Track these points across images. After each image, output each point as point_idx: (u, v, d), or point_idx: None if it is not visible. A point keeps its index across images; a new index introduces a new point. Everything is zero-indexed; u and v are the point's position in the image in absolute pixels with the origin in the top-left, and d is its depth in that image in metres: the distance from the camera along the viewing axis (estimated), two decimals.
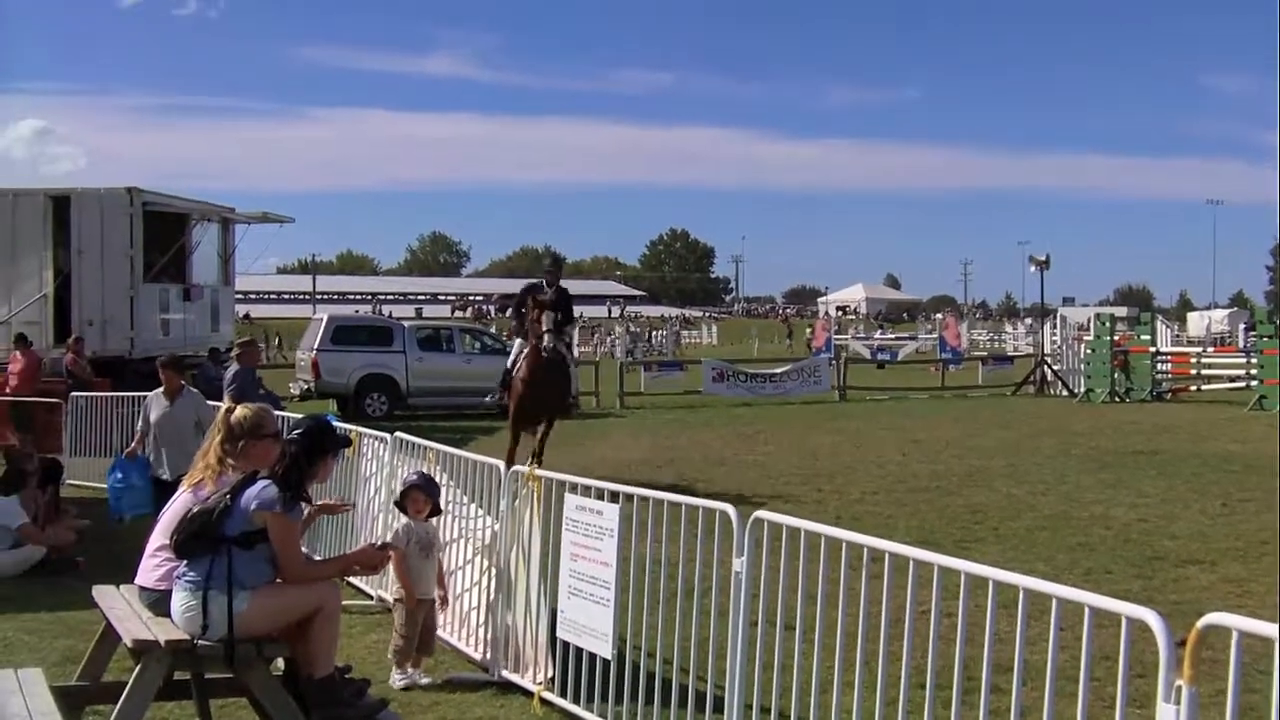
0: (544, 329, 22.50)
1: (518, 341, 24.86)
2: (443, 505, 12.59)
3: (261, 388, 21.02)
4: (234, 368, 21.54)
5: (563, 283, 24.72)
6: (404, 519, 11.41)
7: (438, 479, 12.74)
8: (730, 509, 8.59)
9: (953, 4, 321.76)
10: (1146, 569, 15.80)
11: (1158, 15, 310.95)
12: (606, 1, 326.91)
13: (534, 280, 26.07)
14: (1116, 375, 46.39)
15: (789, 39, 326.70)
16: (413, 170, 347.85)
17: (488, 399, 26.39)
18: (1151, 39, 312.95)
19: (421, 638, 11.13)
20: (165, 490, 15.96)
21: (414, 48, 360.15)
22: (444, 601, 11.61)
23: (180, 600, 8.35)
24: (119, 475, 18.56)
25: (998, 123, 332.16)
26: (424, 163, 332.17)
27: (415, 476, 11.65)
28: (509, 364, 24.60)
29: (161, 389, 17.43)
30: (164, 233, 35.92)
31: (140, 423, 17.87)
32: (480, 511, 11.98)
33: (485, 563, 11.63)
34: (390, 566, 10.92)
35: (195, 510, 8.47)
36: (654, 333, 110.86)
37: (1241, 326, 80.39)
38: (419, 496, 11.47)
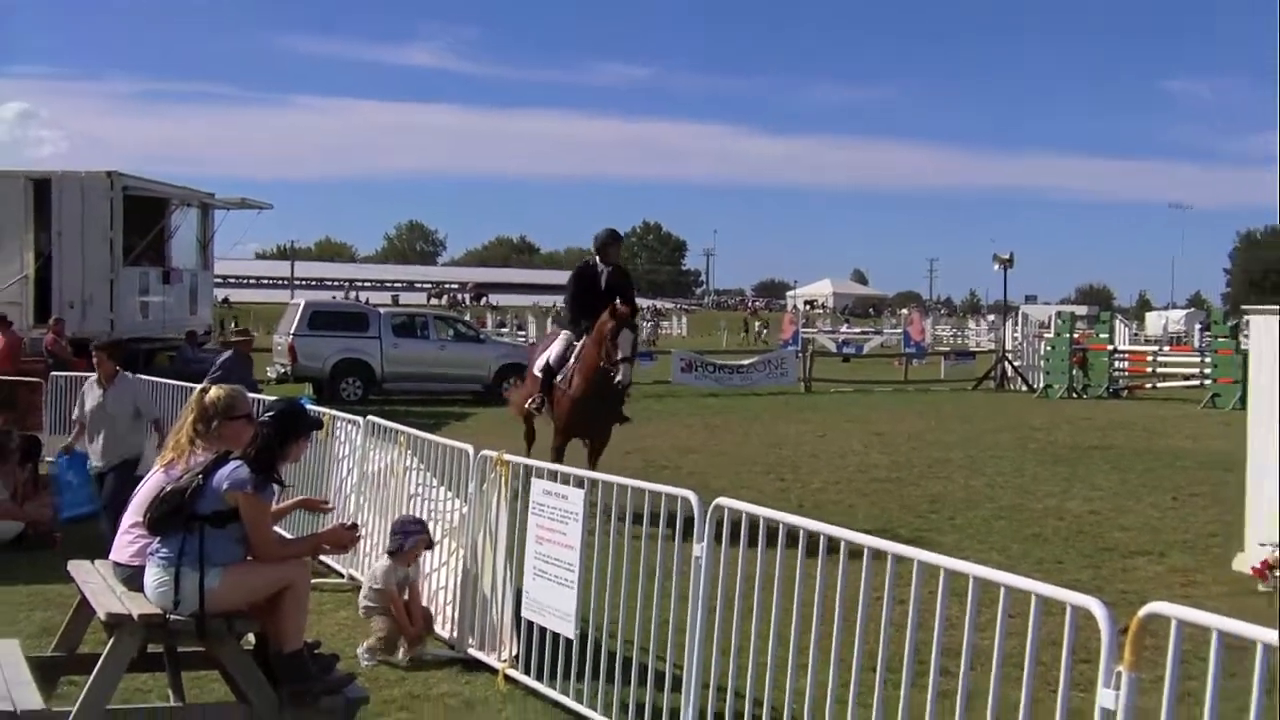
0: (620, 356, 17.92)
1: (564, 335, 19.93)
2: (414, 490, 12.70)
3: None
4: (227, 354, 21.57)
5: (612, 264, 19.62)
6: (387, 560, 11.46)
7: (408, 463, 12.80)
8: (692, 495, 8.65)
9: (929, 7, 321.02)
10: (1097, 559, 15.90)
11: (1125, 22, 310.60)
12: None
13: (587, 261, 20.21)
14: (1075, 372, 46.49)
15: (767, 36, 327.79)
16: (391, 159, 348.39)
17: (528, 404, 19.97)
18: (1119, 46, 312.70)
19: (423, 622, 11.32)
20: (102, 481, 16.03)
21: (395, 38, 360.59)
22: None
23: (153, 576, 8.36)
24: (59, 473, 17.92)
25: (968, 124, 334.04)
26: (403, 152, 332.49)
27: (424, 532, 11.68)
28: (549, 359, 19.64)
29: (95, 375, 16.34)
30: (144, 217, 35.90)
31: (75, 411, 16.96)
32: (449, 494, 12.02)
33: (453, 544, 11.67)
34: (384, 604, 11.13)
35: (168, 489, 8.47)
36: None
37: (1198, 327, 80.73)
38: (422, 547, 11.62)
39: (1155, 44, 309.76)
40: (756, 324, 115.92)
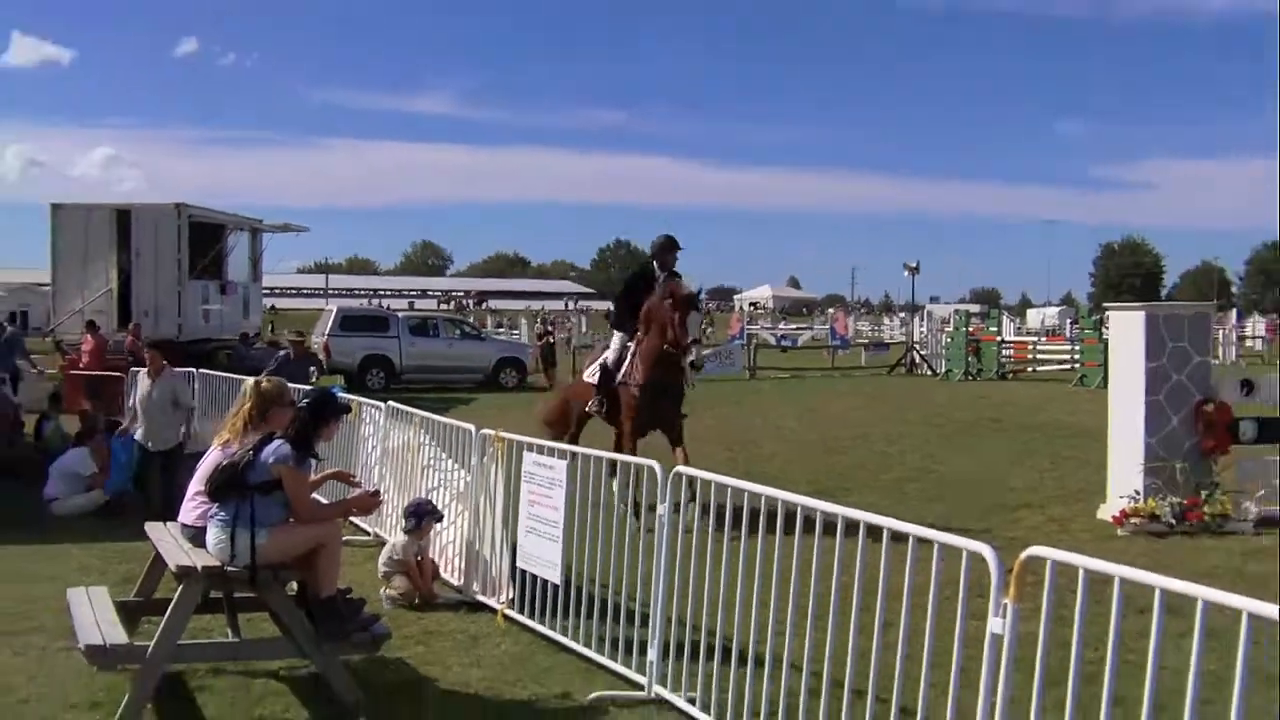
0: (691, 337, 15.27)
1: (618, 337, 16.76)
2: (426, 462, 12.70)
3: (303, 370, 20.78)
4: (284, 351, 21.81)
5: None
6: (405, 537, 11.45)
7: (421, 440, 12.80)
8: (656, 465, 8.68)
9: (855, 62, 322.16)
10: (989, 512, 15.94)
11: (1009, 70, 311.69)
12: (571, 51, 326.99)
13: (643, 267, 17.07)
14: (970, 359, 46.55)
15: (723, 86, 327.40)
16: (407, 190, 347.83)
17: (589, 407, 16.60)
18: (1003, 89, 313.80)
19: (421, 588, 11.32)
20: (149, 459, 16.43)
21: (409, 90, 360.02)
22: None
23: (213, 535, 8.38)
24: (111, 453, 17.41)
25: (884, 156, 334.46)
26: (417, 184, 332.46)
27: (435, 513, 11.70)
28: (605, 361, 16.69)
29: (146, 368, 16.81)
30: (205, 239, 36.16)
31: (129, 399, 17.12)
32: (456, 466, 12.02)
33: (460, 507, 11.65)
34: (405, 566, 11.24)
35: (225, 463, 8.52)
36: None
37: (1068, 321, 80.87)
38: (432, 524, 11.67)
39: (1041, 90, 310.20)
40: (706, 327, 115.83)
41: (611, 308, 18.09)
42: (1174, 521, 14.47)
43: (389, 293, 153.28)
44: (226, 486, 8.38)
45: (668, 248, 16.51)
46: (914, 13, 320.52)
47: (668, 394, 15.80)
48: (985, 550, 5.58)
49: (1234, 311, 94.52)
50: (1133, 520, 14.52)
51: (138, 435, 16.36)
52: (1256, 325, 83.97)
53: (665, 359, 15.49)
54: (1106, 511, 15.21)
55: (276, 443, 8.45)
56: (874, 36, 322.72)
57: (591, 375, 16.95)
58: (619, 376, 16.20)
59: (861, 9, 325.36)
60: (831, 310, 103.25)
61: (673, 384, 15.80)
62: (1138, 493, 14.82)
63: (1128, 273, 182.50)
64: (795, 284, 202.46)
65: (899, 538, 6.32)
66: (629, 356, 16.16)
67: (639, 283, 16.63)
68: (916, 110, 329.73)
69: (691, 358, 15.36)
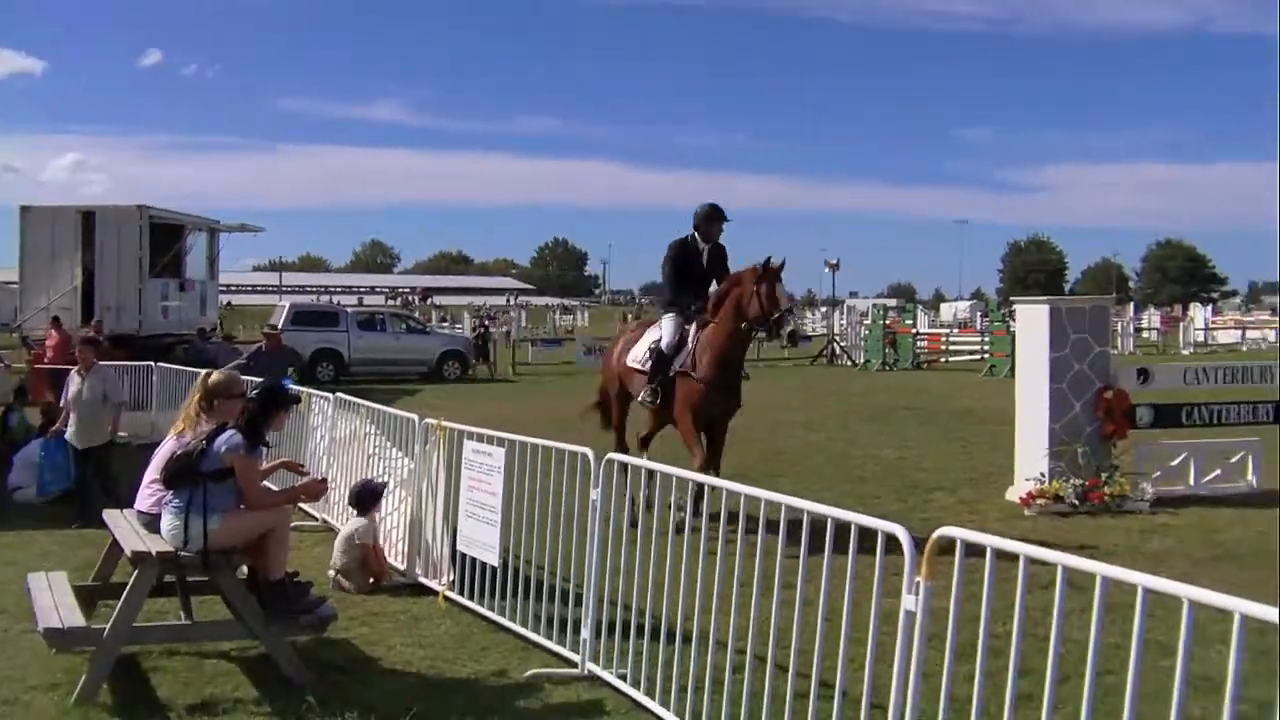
0: (784, 305, 13.17)
1: (670, 318, 14.15)
2: (371, 451, 12.61)
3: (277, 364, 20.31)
4: (256, 345, 21.73)
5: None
6: (362, 520, 11.31)
7: (367, 429, 12.71)
8: (589, 451, 8.62)
9: (779, 72, 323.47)
10: (905, 494, 15.99)
11: (922, 80, 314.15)
12: (511, 63, 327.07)
13: (685, 238, 14.44)
14: (887, 350, 46.86)
15: (650, 93, 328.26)
16: (359, 192, 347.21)
17: (641, 399, 14.15)
18: (916, 97, 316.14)
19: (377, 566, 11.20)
20: (81, 457, 15.17)
21: (362, 98, 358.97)
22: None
23: (167, 521, 8.31)
24: (42, 454, 16.32)
25: (807, 159, 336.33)
26: (367, 186, 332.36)
27: (381, 492, 11.61)
28: (662, 344, 14.04)
29: (78, 365, 15.40)
30: (165, 239, 35.88)
31: (62, 398, 15.69)
32: (400, 454, 11.93)
33: (404, 493, 11.56)
34: (366, 548, 11.08)
35: (179, 452, 8.45)
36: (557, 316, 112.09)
37: (979, 314, 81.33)
38: (378, 500, 11.58)
39: (951, 99, 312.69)
40: (628, 315, 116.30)
41: (664, 285, 14.96)
42: (1076, 502, 14.58)
43: (339, 289, 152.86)
44: (180, 474, 8.33)
45: (712, 217, 14.36)
46: (828, 25, 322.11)
47: (731, 389, 13.76)
48: (899, 531, 5.56)
49: (1131, 305, 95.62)
50: (1038, 501, 14.60)
51: (68, 434, 15.24)
52: (1152, 318, 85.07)
53: (734, 349, 13.56)
54: (1014, 493, 15.30)
55: (229, 433, 8.40)
56: (797, 47, 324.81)
57: (639, 361, 14.50)
58: (677, 364, 13.82)
59: (781, 21, 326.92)
60: None
61: (734, 381, 13.77)
62: (1043, 475, 14.91)
63: (1033, 269, 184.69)
64: None
65: (819, 520, 6.30)
66: (689, 341, 13.80)
67: (686, 257, 14.36)
68: (837, 117, 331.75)
69: (789, 327, 13.21)
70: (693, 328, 13.84)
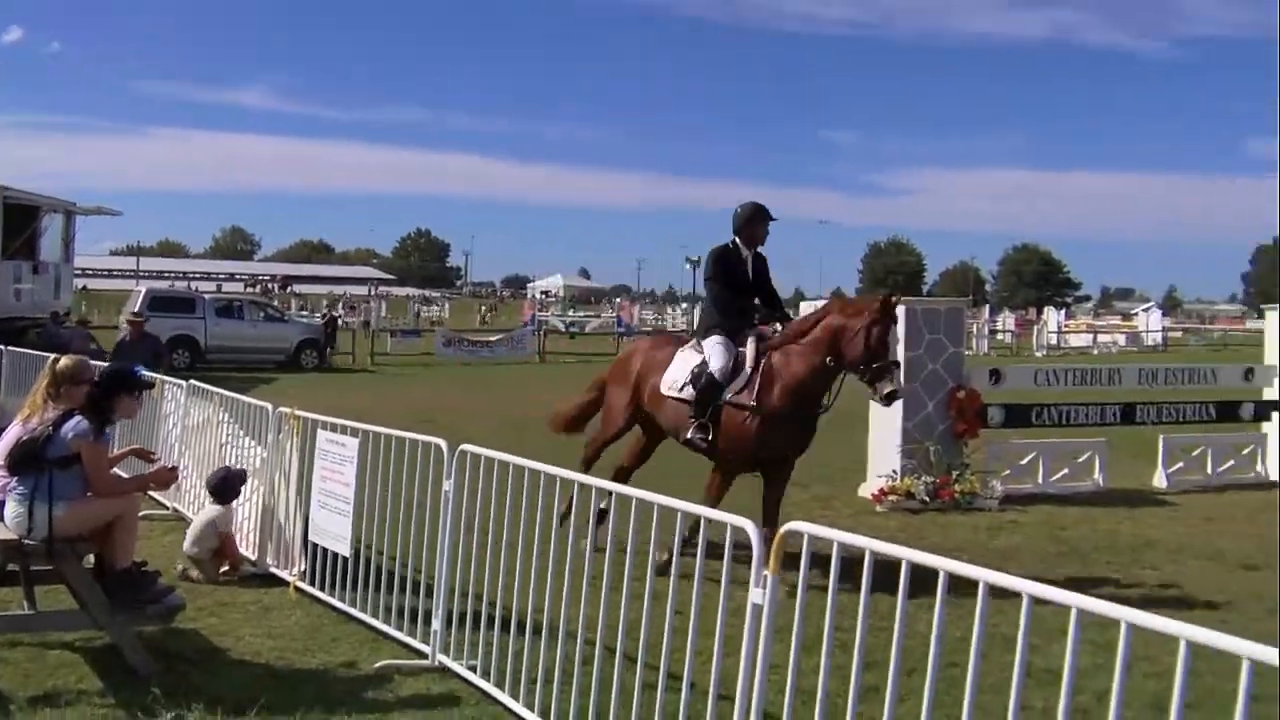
0: (891, 356, 11.04)
1: (717, 343, 11.57)
2: (224, 439, 12.43)
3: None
4: (124, 336, 21.20)
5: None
6: (219, 509, 11.12)
7: (220, 417, 12.53)
8: (442, 442, 8.58)
9: (646, 71, 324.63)
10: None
11: (787, 81, 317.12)
12: (377, 51, 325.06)
13: (728, 245, 11.94)
14: None
15: (524, 85, 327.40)
16: (221, 177, 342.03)
17: (688, 437, 11.78)
18: (781, 98, 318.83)
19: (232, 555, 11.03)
20: None
21: (228, 83, 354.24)
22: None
23: (11, 508, 8.14)
24: None
25: (670, 156, 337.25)
26: (230, 172, 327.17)
27: (243, 479, 11.44)
28: (715, 370, 11.44)
29: None
30: (20, 221, 35.10)
31: None
32: (253, 443, 11.78)
33: (256, 482, 11.41)
34: (222, 538, 10.93)
35: (25, 438, 8.27)
36: (421, 308, 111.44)
37: None
38: (241, 489, 11.39)
39: (815, 101, 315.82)
40: (483, 308, 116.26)
41: (709, 303, 12.30)
42: (927, 499, 14.81)
43: (198, 275, 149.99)
44: (25, 461, 8.16)
45: (756, 218, 11.98)
46: (700, 25, 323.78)
47: (807, 423, 11.56)
48: (747, 525, 5.60)
49: (988, 307, 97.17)
50: (890, 498, 14.81)
51: None
52: (1007, 320, 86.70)
53: (816, 384, 11.23)
54: (867, 490, 15.50)
55: (76, 419, 8.24)
56: (669, 46, 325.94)
57: (676, 388, 11.98)
58: (728, 393, 11.46)
59: (653, 19, 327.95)
60: (619, 299, 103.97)
61: (810, 414, 11.49)
62: (895, 472, 15.12)
63: (893, 270, 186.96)
64: (585, 274, 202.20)
65: (668, 513, 6.33)
66: (746, 366, 11.48)
67: (731, 268, 11.95)
68: (702, 115, 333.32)
69: (890, 387, 10.85)
70: (749, 350, 11.49)
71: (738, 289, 11.94)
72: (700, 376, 11.58)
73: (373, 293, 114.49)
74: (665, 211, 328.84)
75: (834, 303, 11.77)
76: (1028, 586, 4.37)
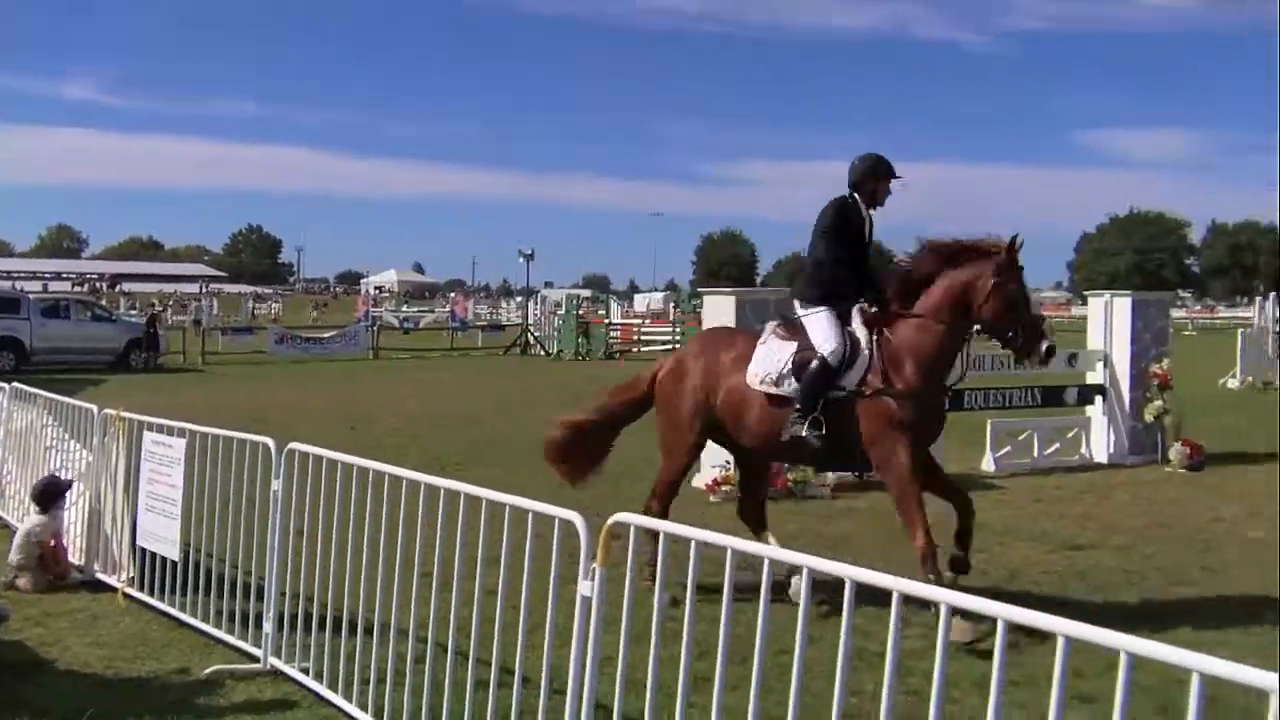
0: (1047, 338, 9.44)
1: (824, 319, 9.78)
2: (49, 443, 12.14)
3: None
4: None
5: None
6: (43, 517, 10.80)
7: (45, 421, 12.24)
8: (270, 441, 8.45)
9: (489, 63, 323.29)
10: (598, 482, 15.97)
11: (624, 73, 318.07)
12: (210, 43, 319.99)
13: (847, 200, 10.00)
14: (580, 340, 47.31)
15: (354, 81, 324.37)
16: (45, 173, 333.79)
17: (802, 434, 9.62)
18: (617, 90, 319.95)
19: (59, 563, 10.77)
20: None
21: (51, 75, 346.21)
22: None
23: None
24: None
25: (504, 151, 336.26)
26: (55, 167, 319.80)
27: (69, 488, 11.15)
28: (828, 354, 9.59)
29: None
30: None
31: None
32: (79, 446, 11.53)
33: (82, 487, 11.17)
34: (45, 546, 10.61)
35: None
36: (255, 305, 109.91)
37: (671, 305, 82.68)
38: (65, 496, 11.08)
39: (651, 94, 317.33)
40: (314, 305, 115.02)
41: (818, 265, 10.10)
42: None
43: (23, 275, 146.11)
44: None
45: (880, 170, 10.05)
46: (534, 21, 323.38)
47: (939, 406, 9.98)
48: (575, 518, 5.60)
49: None
50: (723, 488, 14.90)
51: None
52: None
53: (948, 356, 9.62)
54: (700, 480, 15.56)
55: None
56: (502, 38, 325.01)
57: (772, 380, 9.96)
58: (851, 379, 9.60)
59: (495, 13, 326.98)
60: (453, 294, 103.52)
61: (941, 395, 9.91)
62: (728, 463, 15.15)
63: (726, 261, 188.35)
64: (419, 269, 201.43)
65: (497, 508, 6.32)
66: (864, 349, 9.64)
67: (848, 227, 10.03)
68: (539, 108, 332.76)
69: (1049, 340, 9.40)
70: (858, 327, 9.77)
71: (855, 253, 10.06)
72: (806, 364, 9.71)
73: (204, 290, 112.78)
74: (501, 205, 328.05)
75: (945, 251, 9.67)
76: (847, 570, 4.46)
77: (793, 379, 9.77)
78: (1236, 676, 3.23)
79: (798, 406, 9.68)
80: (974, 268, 9.41)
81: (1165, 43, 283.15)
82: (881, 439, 9.42)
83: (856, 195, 10.02)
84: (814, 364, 9.61)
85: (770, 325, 10.43)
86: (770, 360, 10.01)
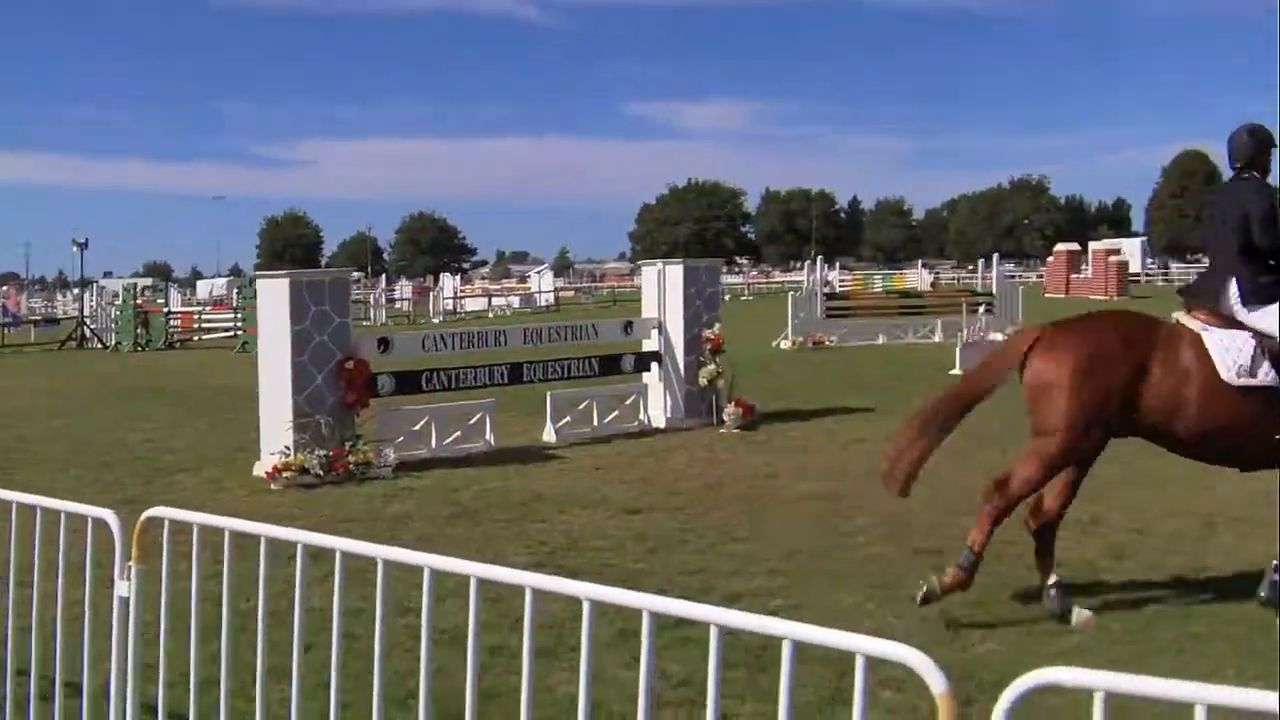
0: None
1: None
2: None
3: None
4: None
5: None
6: None
7: None
8: None
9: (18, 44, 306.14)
10: (150, 477, 15.55)
11: (181, 56, 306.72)
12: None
13: (1256, 178, 8.96)
14: (139, 331, 45.98)
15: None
16: None
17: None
18: (172, 76, 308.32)
19: None
20: None
21: None
22: None
23: None
24: None
25: (56, 135, 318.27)
26: None
27: None
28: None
29: None
30: None
31: None
32: None
33: None
34: None
35: None
36: None
37: (236, 291, 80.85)
38: None
39: (204, 72, 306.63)
40: None
41: (1256, 241, 8.74)
42: (322, 473, 14.77)
43: None
44: None
45: (1272, 140, 9.08)
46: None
47: None
48: (108, 516, 5.41)
49: (384, 276, 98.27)
50: (284, 474, 14.68)
51: None
52: (405, 289, 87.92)
53: None
54: (261, 468, 15.30)
55: None
56: (37, 17, 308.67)
57: (1247, 374, 8.48)
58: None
59: None
60: (4, 288, 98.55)
61: None
62: (288, 449, 14.99)
63: (291, 244, 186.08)
64: None
65: (23, 510, 6.04)
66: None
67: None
68: (86, 89, 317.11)
69: None
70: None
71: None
72: None
73: None
74: (53, 192, 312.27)
75: None
76: (383, 552, 4.46)
77: (1275, 370, 8.55)
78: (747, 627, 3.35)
79: None
80: None
81: (719, 14, 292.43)
82: None
83: (1254, 171, 9.06)
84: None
85: (1179, 316, 9.03)
86: (1238, 352, 8.61)
